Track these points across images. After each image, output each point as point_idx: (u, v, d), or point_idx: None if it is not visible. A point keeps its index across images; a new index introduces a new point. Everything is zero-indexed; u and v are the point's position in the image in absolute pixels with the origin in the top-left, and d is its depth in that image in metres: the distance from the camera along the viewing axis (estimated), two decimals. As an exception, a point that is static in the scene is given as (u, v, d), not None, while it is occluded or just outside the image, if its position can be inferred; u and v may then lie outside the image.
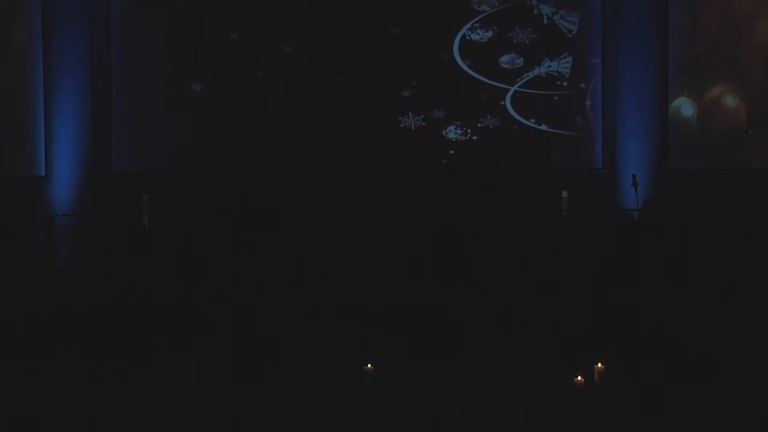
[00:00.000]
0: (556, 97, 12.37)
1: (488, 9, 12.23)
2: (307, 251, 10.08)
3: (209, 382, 8.31)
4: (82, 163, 12.21)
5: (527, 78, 12.31)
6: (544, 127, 12.32)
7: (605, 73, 12.37)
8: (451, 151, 12.38)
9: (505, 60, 12.34)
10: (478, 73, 12.26)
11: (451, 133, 12.34)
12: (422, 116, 12.33)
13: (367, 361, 8.00)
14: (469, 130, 12.31)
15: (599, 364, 7.75)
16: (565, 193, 11.82)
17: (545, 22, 12.32)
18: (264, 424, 7.64)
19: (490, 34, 12.30)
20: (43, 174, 12.15)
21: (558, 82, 12.32)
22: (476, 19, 12.27)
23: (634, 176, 11.49)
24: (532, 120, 12.29)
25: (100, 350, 8.58)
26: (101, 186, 12.16)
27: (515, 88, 12.31)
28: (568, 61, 12.32)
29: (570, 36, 12.34)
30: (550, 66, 12.32)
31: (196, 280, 9.47)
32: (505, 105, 12.29)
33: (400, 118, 12.33)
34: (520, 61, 12.33)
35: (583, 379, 7.61)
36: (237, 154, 12.30)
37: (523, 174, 12.24)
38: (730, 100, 12.37)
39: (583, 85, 12.34)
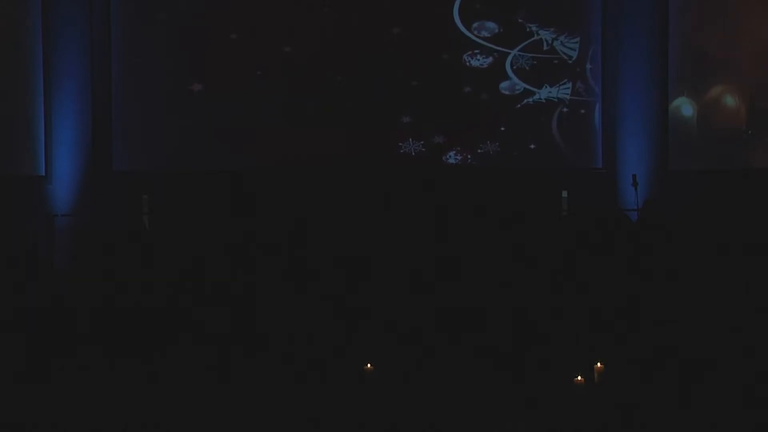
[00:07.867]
0: (555, 61, 12.40)
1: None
2: (307, 250, 10.08)
3: (209, 382, 8.31)
4: (82, 163, 12.22)
5: (526, 103, 12.37)
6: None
7: (605, 73, 12.38)
8: None
9: (504, 86, 12.39)
10: (479, 88, 12.30)
11: (451, 158, 12.38)
12: (422, 142, 12.36)
13: (366, 361, 8.00)
14: (468, 156, 12.36)
15: (599, 364, 7.75)
16: (565, 193, 11.82)
17: (545, 47, 12.35)
18: (264, 423, 7.64)
19: (490, 60, 12.34)
20: (43, 174, 12.16)
21: (559, 108, 12.38)
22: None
23: (634, 176, 11.49)
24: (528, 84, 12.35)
25: (99, 350, 8.57)
26: (101, 186, 12.17)
27: (515, 52, 12.34)
28: (568, 87, 12.37)
29: (570, 62, 12.38)
30: (550, 92, 12.37)
31: (197, 279, 9.48)
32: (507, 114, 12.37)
33: (400, 144, 12.35)
34: (520, 87, 12.38)
35: (583, 379, 7.60)
36: (237, 154, 12.30)
37: (522, 174, 12.24)
38: (730, 100, 12.37)
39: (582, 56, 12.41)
